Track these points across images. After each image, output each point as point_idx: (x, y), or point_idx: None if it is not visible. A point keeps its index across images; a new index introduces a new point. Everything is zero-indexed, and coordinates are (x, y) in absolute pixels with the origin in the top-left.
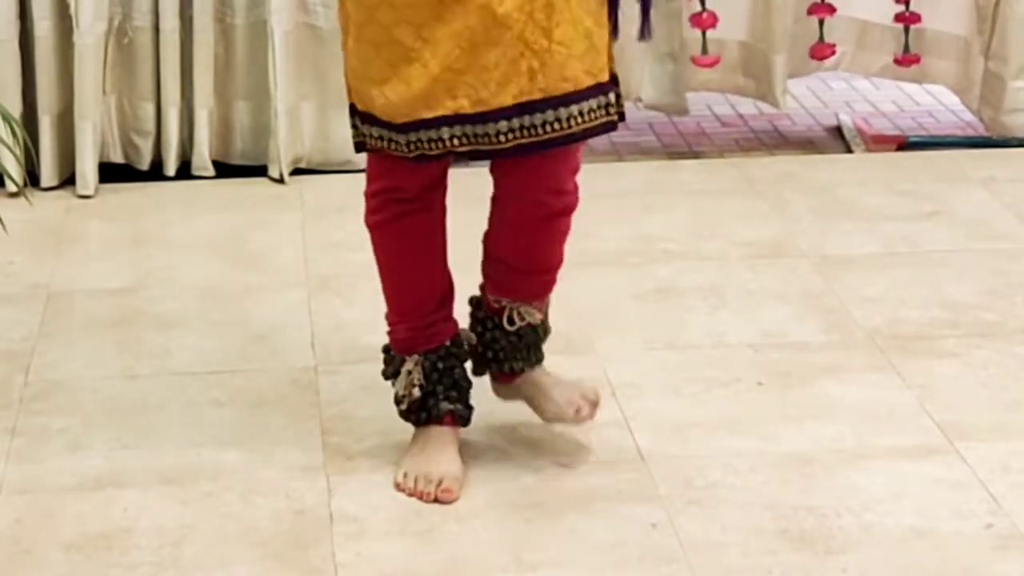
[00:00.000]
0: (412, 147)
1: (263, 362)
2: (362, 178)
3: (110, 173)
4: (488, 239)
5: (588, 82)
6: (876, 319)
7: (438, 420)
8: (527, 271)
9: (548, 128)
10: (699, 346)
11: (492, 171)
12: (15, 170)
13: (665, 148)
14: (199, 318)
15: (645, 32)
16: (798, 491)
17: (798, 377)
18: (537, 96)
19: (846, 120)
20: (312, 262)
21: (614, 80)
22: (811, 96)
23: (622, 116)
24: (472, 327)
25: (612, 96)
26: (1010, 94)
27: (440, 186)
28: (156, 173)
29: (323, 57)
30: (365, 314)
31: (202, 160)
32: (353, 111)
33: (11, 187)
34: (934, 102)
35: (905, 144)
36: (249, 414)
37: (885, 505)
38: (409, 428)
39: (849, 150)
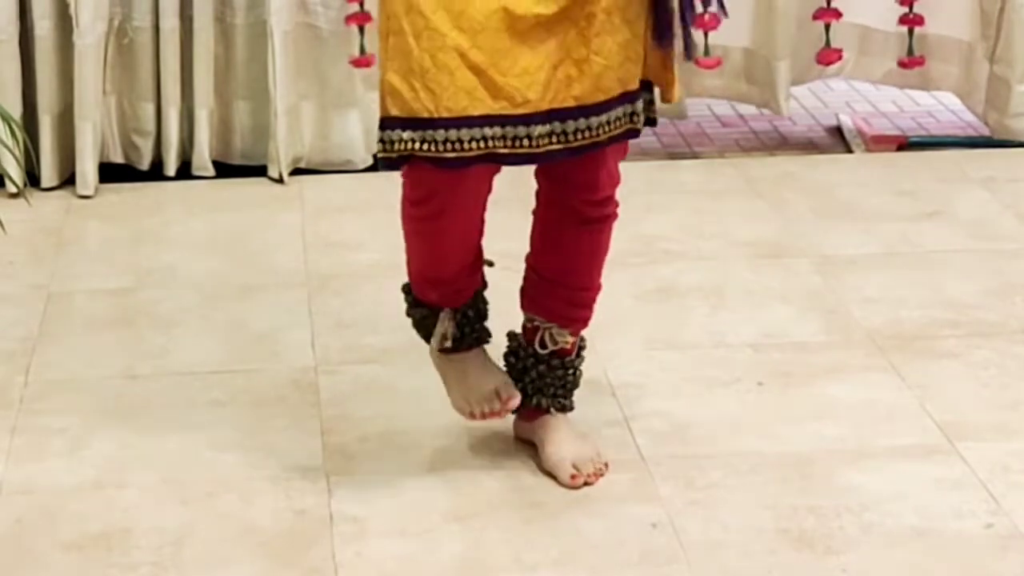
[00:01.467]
0: (450, 146)
1: (263, 362)
2: (362, 178)
3: (110, 173)
4: (528, 254)
5: (618, 91)
6: (876, 319)
7: (467, 348)
8: (559, 283)
9: (579, 136)
10: (699, 346)
11: (536, 177)
12: (15, 171)
13: (665, 148)
14: (199, 318)
15: (690, 51)
16: (798, 491)
17: (798, 377)
18: (570, 103)
19: (846, 120)
20: (312, 262)
21: (646, 86)
22: (811, 96)
23: (654, 121)
24: (506, 357)
25: (639, 104)
26: (1016, 98)
27: (483, 197)
28: (156, 173)
29: (323, 57)
30: (365, 314)
31: (202, 160)
32: (384, 124)
33: (11, 188)
34: (934, 102)
35: (905, 144)
36: (249, 414)
37: (885, 505)
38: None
39: (849, 150)
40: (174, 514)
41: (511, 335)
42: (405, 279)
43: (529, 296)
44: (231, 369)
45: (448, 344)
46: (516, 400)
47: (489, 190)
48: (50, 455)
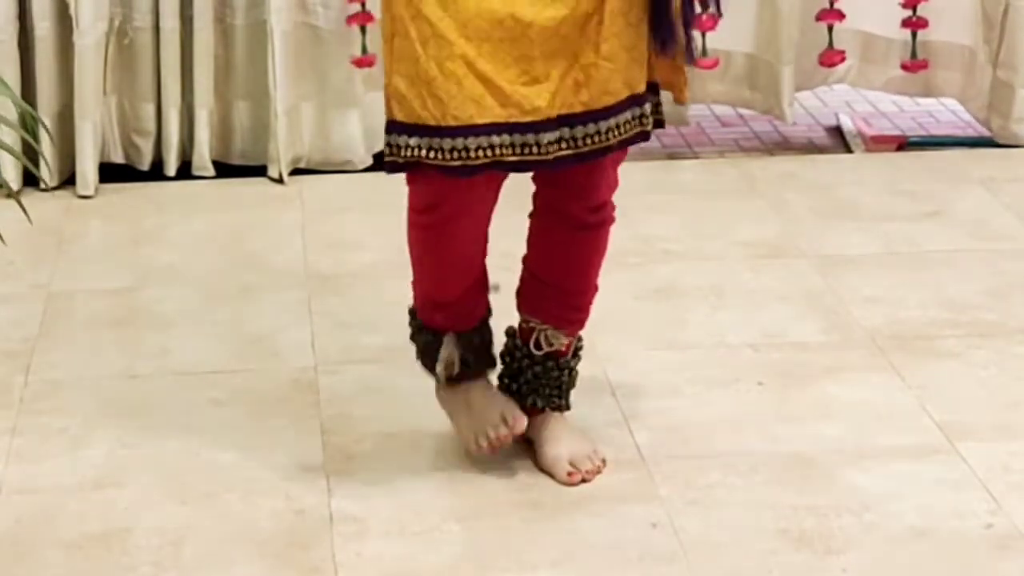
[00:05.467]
0: (456, 155)
1: (263, 362)
2: (361, 178)
3: (110, 173)
4: (526, 256)
5: (625, 94)
6: (876, 319)
7: (472, 377)
8: (557, 287)
9: (588, 141)
10: (699, 346)
11: (534, 181)
12: (30, 163)
13: (665, 149)
14: (199, 318)
15: (691, 54)
16: (798, 491)
17: (798, 377)
18: (578, 109)
19: (846, 120)
20: (312, 262)
21: (652, 89)
22: (811, 97)
23: (662, 123)
24: (502, 355)
25: (647, 107)
26: (1019, 102)
27: (489, 205)
28: (156, 173)
29: (323, 57)
30: (365, 314)
31: (202, 160)
32: (390, 128)
33: (13, 185)
34: (934, 102)
35: (905, 144)
36: (249, 414)
37: (885, 505)
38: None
39: (849, 150)
40: (174, 514)
41: (510, 331)
42: (405, 279)
43: (525, 298)
44: (231, 369)
45: (454, 371)
46: (523, 423)
47: (495, 199)
48: (50, 455)
